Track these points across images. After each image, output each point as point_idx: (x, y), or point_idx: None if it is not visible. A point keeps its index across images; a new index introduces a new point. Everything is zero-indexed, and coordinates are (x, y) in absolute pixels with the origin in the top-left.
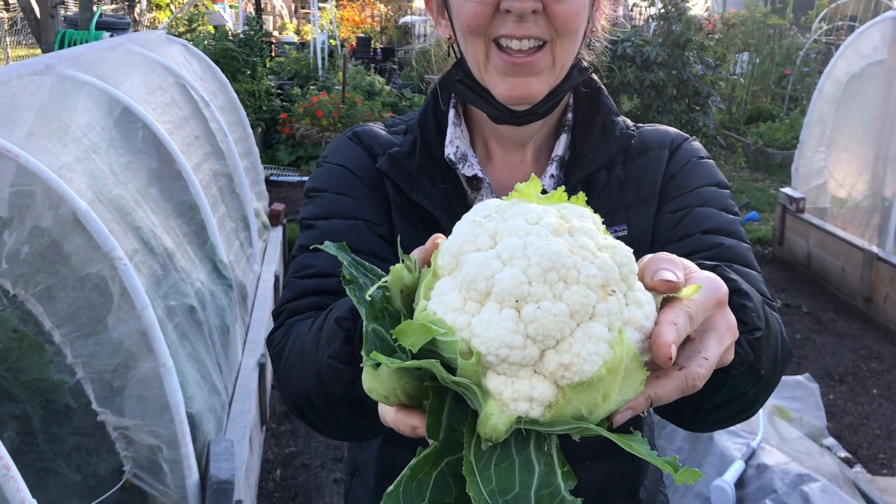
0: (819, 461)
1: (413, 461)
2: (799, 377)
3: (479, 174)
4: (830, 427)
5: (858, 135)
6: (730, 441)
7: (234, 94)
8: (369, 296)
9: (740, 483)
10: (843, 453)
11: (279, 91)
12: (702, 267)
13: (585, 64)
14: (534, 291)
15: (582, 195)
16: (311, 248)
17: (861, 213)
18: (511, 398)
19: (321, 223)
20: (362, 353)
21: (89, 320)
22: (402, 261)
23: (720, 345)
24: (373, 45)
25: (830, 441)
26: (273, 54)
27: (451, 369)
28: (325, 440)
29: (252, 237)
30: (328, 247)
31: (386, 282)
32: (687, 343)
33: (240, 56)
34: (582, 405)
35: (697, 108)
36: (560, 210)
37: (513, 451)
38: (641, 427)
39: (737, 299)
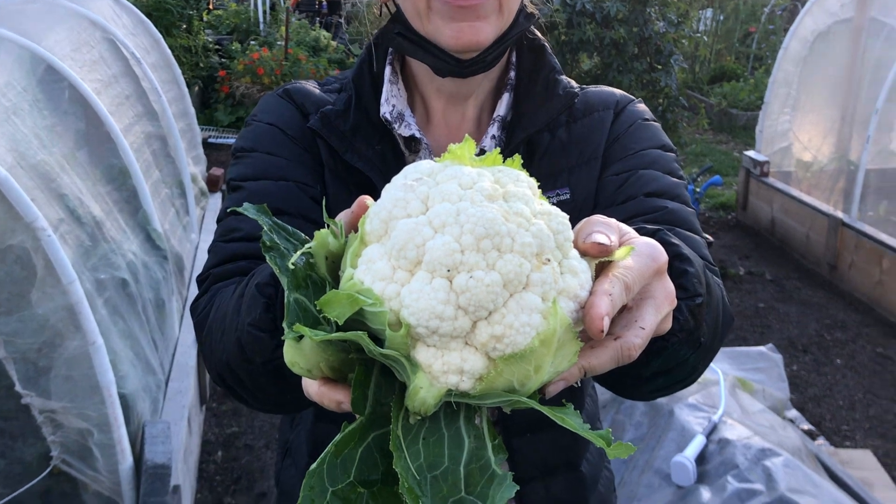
0: (782, 435)
1: (338, 437)
2: (762, 348)
3: (417, 135)
4: (794, 399)
5: (824, 95)
6: (691, 415)
7: (168, 51)
8: (292, 264)
9: (701, 458)
10: (807, 426)
11: (217, 47)
12: (643, 232)
13: (530, 10)
14: (466, 260)
15: (518, 157)
16: (231, 210)
17: (826, 177)
18: (441, 371)
19: (249, 184)
20: (283, 325)
21: (11, 296)
22: (328, 225)
23: (657, 314)
24: None
25: (793, 413)
26: (211, 7)
27: (378, 341)
28: (268, 419)
29: (189, 204)
30: (248, 209)
31: (310, 248)
32: (623, 312)
33: (174, 9)
34: (514, 377)
35: (659, 67)
36: (495, 174)
37: (442, 425)
38: (581, 399)
39: (678, 265)
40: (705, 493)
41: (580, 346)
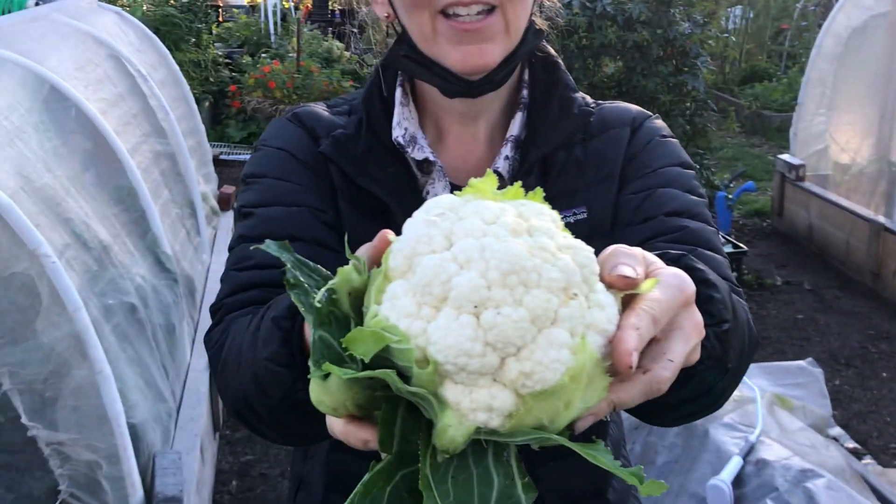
0: (824, 454)
1: (366, 476)
2: (801, 362)
3: (430, 157)
4: (836, 415)
5: (862, 94)
6: (726, 435)
7: (176, 66)
8: (318, 302)
9: (738, 481)
10: (851, 444)
11: (228, 60)
12: (667, 257)
13: (539, 26)
14: (493, 296)
15: (539, 191)
16: (252, 247)
17: (866, 179)
18: (470, 408)
19: (261, 211)
20: (310, 363)
21: (16, 325)
22: (350, 261)
23: (686, 345)
24: (330, 7)
25: (836, 431)
26: (220, 19)
27: (404, 378)
28: (283, 447)
29: (199, 224)
30: (269, 246)
31: (333, 284)
32: (652, 343)
33: (182, 23)
34: (543, 414)
35: (685, 69)
36: (518, 208)
37: (470, 463)
38: (605, 432)
39: (704, 290)
40: None
41: (609, 381)
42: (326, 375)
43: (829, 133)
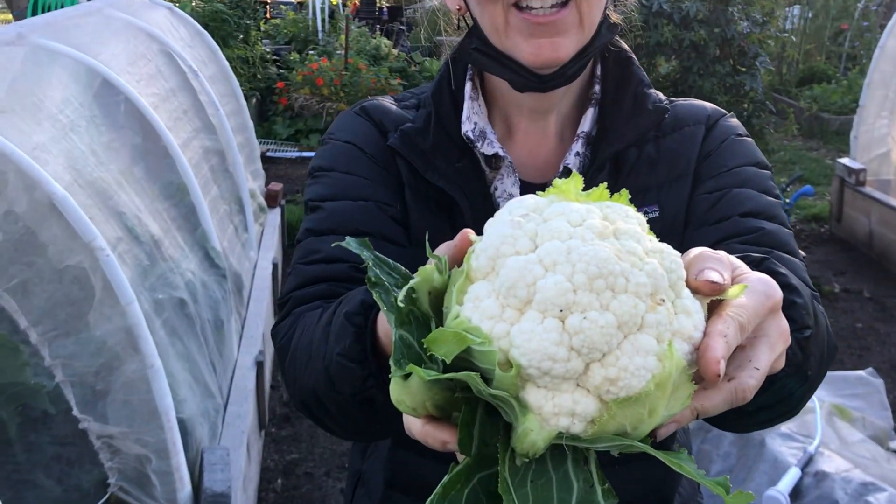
0: (886, 468)
1: (445, 479)
2: (861, 372)
3: (501, 153)
4: None
5: None
6: (784, 445)
7: (226, 62)
8: (400, 301)
9: (796, 493)
10: None
11: (275, 57)
12: (748, 260)
13: (614, 20)
14: (579, 300)
15: (625, 192)
16: (333, 244)
17: None
18: (552, 413)
19: (329, 204)
20: (390, 362)
21: (69, 317)
22: (431, 260)
23: (772, 353)
24: (378, 4)
25: None
26: (268, 16)
27: (486, 380)
28: (329, 446)
29: (247, 221)
30: (350, 243)
31: (414, 283)
32: (737, 351)
33: (231, 19)
34: (627, 421)
35: (743, 69)
36: (603, 210)
37: (549, 468)
38: (673, 438)
39: (787, 295)
40: None
41: (693, 389)
42: (407, 375)
43: (891, 137)
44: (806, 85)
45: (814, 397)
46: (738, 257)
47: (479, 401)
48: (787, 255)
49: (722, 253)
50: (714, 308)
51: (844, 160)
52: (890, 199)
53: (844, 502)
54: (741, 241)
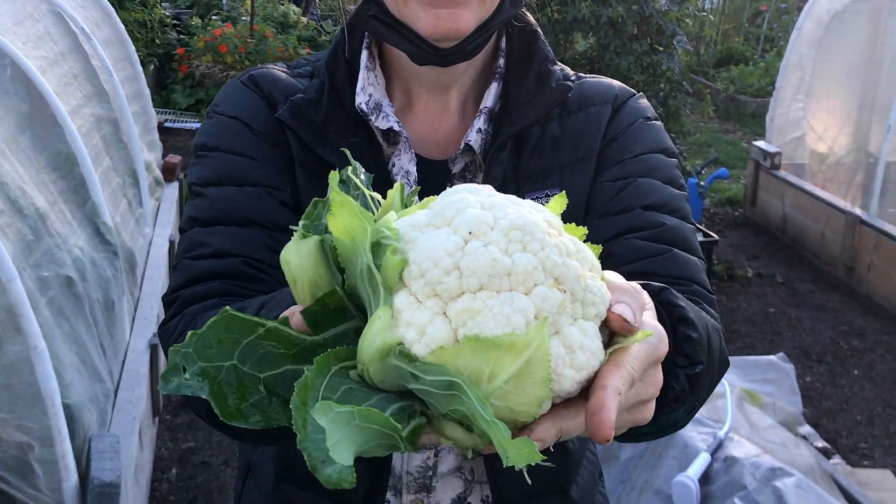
0: (794, 452)
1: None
2: (772, 357)
3: (396, 127)
4: (807, 413)
5: (841, 81)
6: (694, 431)
7: (121, 26)
8: (355, 177)
9: (706, 478)
10: (821, 443)
11: (175, 21)
12: (650, 290)
13: None
14: (491, 236)
15: (583, 229)
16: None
17: (843, 170)
18: (405, 322)
19: (213, 191)
20: (300, 221)
21: None
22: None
23: (639, 401)
24: None
25: (807, 429)
26: None
27: (377, 267)
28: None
29: (142, 195)
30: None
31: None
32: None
33: None
34: (466, 367)
35: (661, 48)
36: (546, 216)
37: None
38: (578, 459)
39: (682, 329)
40: None
41: (549, 398)
42: (305, 235)
43: (806, 120)
44: (723, 66)
45: (724, 382)
46: (639, 283)
47: (350, 312)
48: (685, 254)
49: (635, 285)
50: (613, 357)
51: (760, 143)
52: (804, 184)
53: (753, 487)
54: (641, 235)
